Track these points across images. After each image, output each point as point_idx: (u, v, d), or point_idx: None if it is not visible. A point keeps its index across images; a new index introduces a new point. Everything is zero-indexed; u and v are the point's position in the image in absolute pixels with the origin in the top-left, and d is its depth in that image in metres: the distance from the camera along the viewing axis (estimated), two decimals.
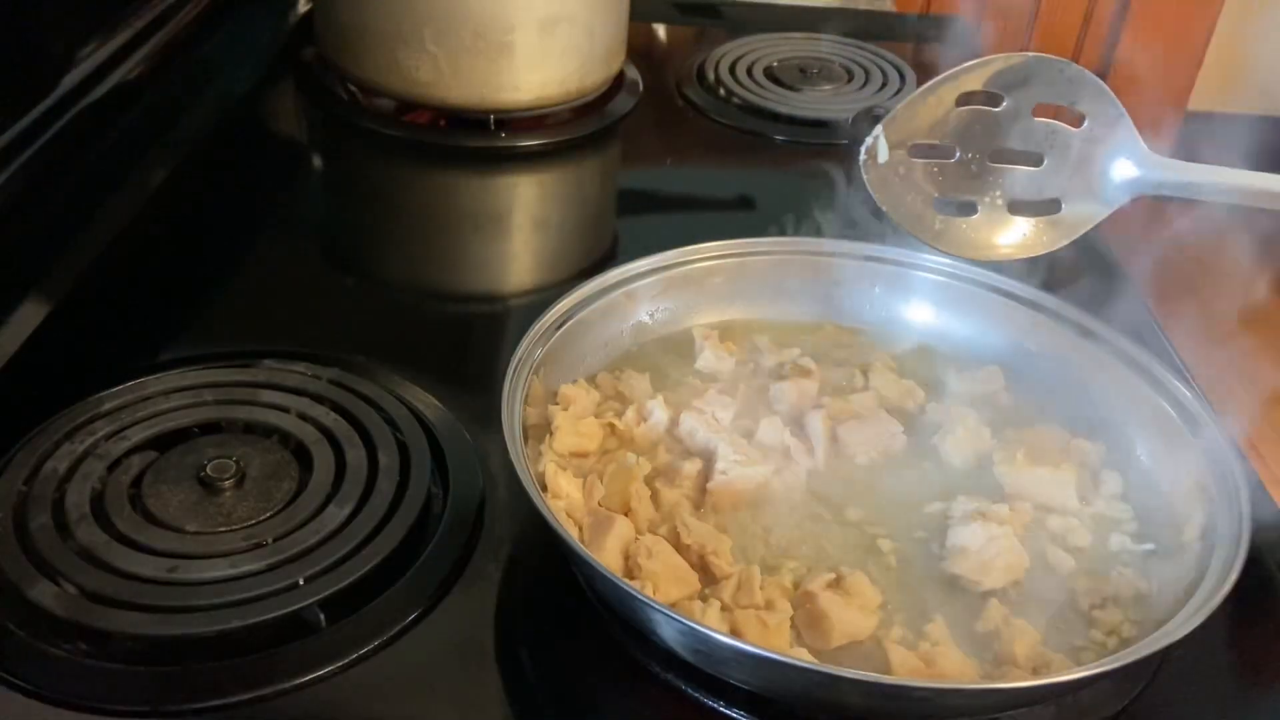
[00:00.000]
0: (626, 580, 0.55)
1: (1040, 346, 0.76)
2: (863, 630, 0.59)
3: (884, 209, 0.69)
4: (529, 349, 0.68)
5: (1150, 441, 0.70)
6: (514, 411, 0.62)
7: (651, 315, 0.78)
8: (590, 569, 0.55)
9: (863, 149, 0.68)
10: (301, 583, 0.60)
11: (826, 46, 1.31)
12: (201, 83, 1.06)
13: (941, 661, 0.57)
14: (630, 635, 0.59)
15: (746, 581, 0.60)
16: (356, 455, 0.68)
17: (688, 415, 0.70)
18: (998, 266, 0.76)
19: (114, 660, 0.57)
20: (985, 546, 0.62)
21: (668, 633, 0.55)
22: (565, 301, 0.72)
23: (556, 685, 0.59)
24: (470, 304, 0.93)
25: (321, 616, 0.59)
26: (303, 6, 1.26)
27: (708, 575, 0.61)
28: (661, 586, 0.59)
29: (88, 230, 0.85)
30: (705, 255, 0.79)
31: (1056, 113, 0.68)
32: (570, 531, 0.59)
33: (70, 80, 0.84)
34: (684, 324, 0.79)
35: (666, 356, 0.77)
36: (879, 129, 0.67)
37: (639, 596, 0.53)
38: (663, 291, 0.78)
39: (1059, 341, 0.76)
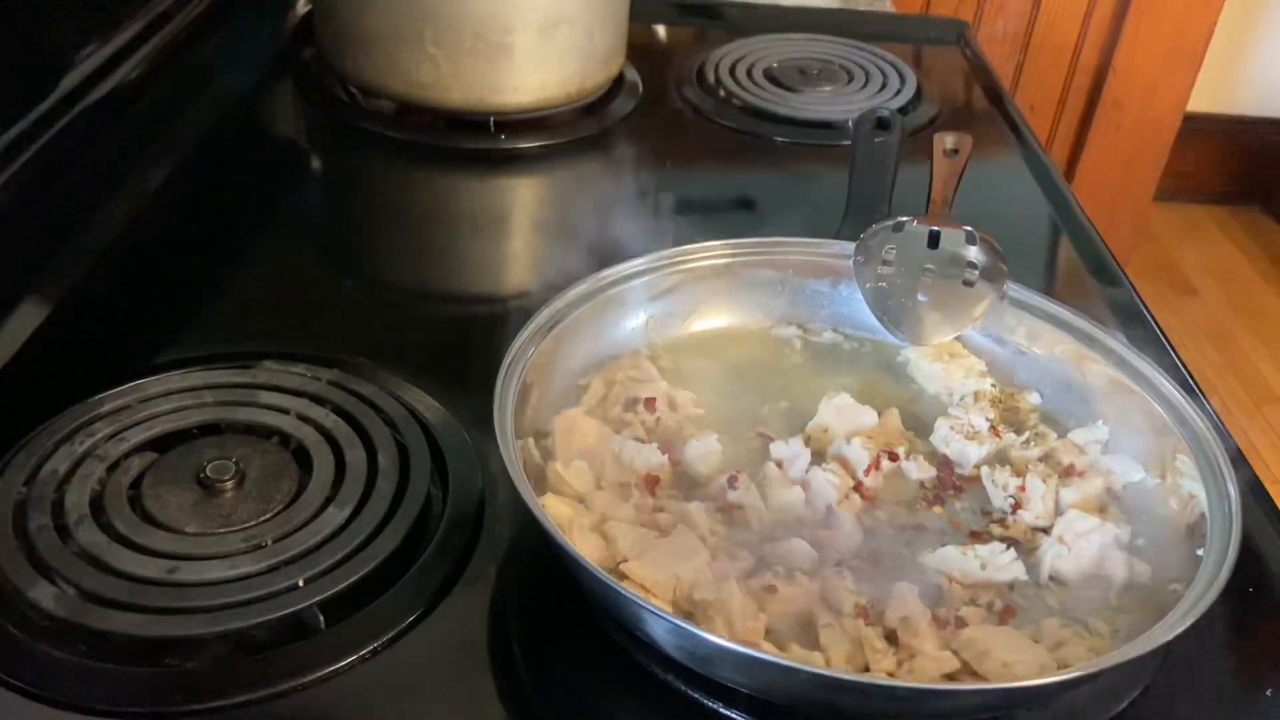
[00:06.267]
0: (618, 579, 0.55)
1: (1032, 345, 0.77)
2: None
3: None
4: (522, 348, 0.67)
5: (1140, 439, 0.70)
6: (506, 411, 0.62)
7: (649, 316, 0.78)
8: (578, 566, 0.54)
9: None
10: (301, 584, 0.60)
11: (826, 47, 1.31)
12: (201, 83, 1.06)
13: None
14: (630, 638, 0.59)
15: None
16: (356, 457, 0.68)
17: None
18: None
19: (113, 661, 0.57)
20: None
21: (657, 632, 0.55)
22: (559, 301, 0.72)
23: (556, 688, 0.59)
24: (470, 305, 0.93)
25: (321, 618, 0.59)
26: (302, 7, 1.26)
27: None
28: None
29: (88, 230, 0.85)
30: (702, 255, 0.79)
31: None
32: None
33: (70, 80, 0.84)
34: (682, 324, 0.79)
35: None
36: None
37: (627, 594, 0.53)
38: (660, 292, 0.77)
39: (1052, 340, 0.76)
